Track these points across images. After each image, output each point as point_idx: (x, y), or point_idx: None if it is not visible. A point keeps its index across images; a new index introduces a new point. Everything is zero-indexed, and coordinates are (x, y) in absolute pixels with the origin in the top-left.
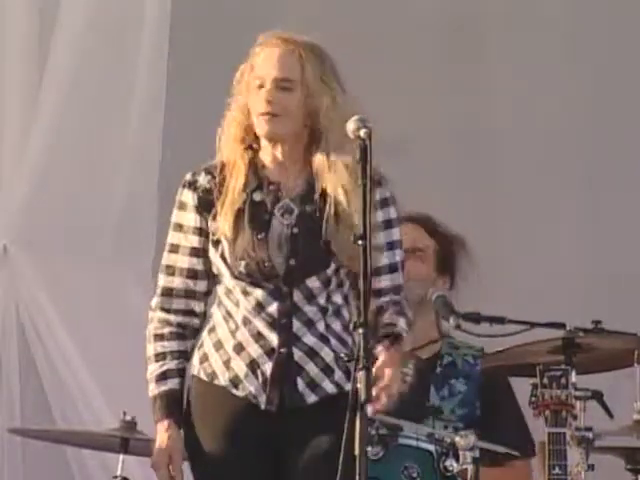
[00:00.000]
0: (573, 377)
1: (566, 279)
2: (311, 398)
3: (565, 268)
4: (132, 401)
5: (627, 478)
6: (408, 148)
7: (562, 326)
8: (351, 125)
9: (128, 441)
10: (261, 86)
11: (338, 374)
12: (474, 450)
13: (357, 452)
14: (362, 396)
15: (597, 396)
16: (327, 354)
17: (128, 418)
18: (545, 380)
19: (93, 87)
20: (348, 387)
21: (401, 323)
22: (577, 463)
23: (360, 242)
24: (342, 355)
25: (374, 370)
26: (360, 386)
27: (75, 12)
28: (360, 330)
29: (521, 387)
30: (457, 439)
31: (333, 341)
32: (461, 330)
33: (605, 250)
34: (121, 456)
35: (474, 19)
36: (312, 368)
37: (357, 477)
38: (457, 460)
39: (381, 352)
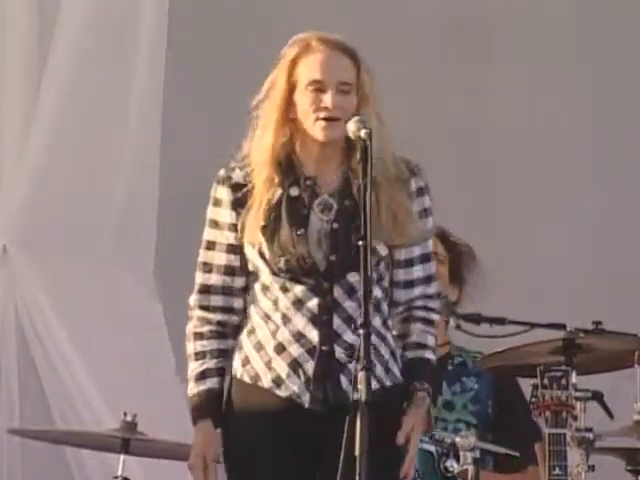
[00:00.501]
0: (573, 378)
1: (566, 279)
2: (354, 395)
3: (565, 268)
4: (132, 401)
5: (627, 479)
6: (408, 148)
7: (562, 327)
8: (351, 125)
9: (129, 441)
10: (319, 90)
11: (379, 369)
12: (474, 451)
13: (357, 452)
14: (362, 396)
15: (597, 397)
16: None
17: (129, 418)
18: (545, 381)
19: (93, 87)
20: (388, 382)
21: (430, 341)
22: (577, 464)
23: (360, 242)
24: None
25: (400, 434)
26: (360, 386)
27: (75, 12)
28: (361, 331)
29: (521, 388)
30: (457, 440)
31: (372, 337)
32: (461, 331)
33: (605, 250)
34: (122, 456)
35: (474, 19)
36: (354, 365)
37: (357, 477)
38: (457, 461)
39: (409, 417)
